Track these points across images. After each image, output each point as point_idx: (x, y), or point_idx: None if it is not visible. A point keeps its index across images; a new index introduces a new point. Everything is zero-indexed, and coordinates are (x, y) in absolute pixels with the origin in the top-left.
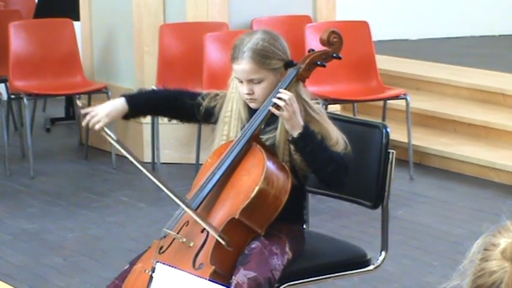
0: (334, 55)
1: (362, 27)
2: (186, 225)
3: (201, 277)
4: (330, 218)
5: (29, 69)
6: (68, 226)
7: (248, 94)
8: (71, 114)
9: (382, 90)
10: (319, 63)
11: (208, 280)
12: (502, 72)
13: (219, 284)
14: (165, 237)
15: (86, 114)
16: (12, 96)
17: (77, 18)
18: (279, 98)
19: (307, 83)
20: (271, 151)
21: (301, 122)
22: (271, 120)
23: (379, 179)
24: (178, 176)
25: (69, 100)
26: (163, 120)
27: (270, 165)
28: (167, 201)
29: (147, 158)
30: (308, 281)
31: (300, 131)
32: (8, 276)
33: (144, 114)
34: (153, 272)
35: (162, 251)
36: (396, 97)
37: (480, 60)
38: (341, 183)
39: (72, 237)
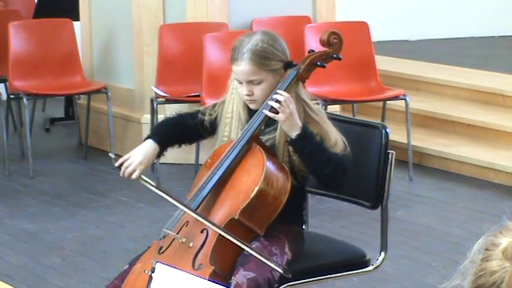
0: (334, 56)
1: (361, 27)
2: (186, 226)
3: (200, 277)
4: (330, 218)
5: (29, 69)
6: (67, 226)
7: (248, 95)
8: (71, 114)
9: (382, 90)
10: (319, 63)
11: (208, 280)
12: (502, 73)
13: (218, 284)
14: (164, 237)
15: (120, 165)
16: (12, 96)
17: (77, 18)
18: (276, 100)
19: (306, 83)
20: (271, 152)
21: (299, 124)
22: (271, 121)
23: (378, 180)
24: (177, 176)
25: (69, 100)
26: None
27: (269, 165)
28: (166, 202)
29: None
30: (307, 282)
31: (298, 132)
32: (7, 276)
33: (171, 147)
34: (153, 272)
35: (161, 251)
36: (396, 98)
37: (480, 61)
38: (339, 184)
39: (71, 237)
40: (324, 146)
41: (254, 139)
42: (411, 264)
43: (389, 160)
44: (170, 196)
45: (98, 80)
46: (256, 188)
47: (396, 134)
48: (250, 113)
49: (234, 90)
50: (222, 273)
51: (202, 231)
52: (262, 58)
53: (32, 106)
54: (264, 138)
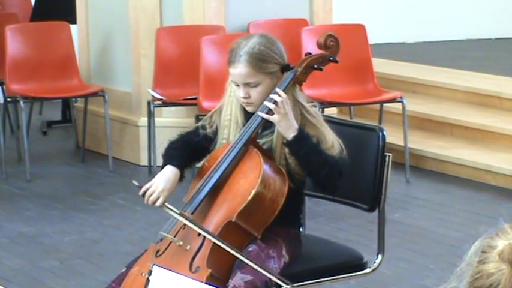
0: (331, 59)
1: (358, 30)
2: (183, 229)
3: (197, 280)
4: (327, 221)
5: (26, 72)
6: (64, 229)
7: (245, 98)
8: (68, 117)
9: (379, 93)
10: (316, 66)
11: (205, 283)
12: (498, 76)
13: (215, 287)
14: (161, 240)
15: (144, 193)
16: (9, 99)
17: (74, 22)
18: (273, 101)
19: (303, 86)
20: (268, 154)
21: (295, 125)
22: (268, 124)
23: (375, 182)
24: None
25: (66, 103)
26: (160, 124)
27: (266, 168)
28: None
29: (144, 161)
30: (305, 284)
31: (294, 133)
32: (5, 279)
33: (187, 168)
34: (150, 275)
35: (158, 254)
36: (393, 100)
37: (476, 64)
38: (335, 186)
39: (68, 240)
40: (320, 148)
41: (251, 142)
42: (408, 267)
43: (387, 162)
44: (195, 224)
45: (95, 83)
46: (254, 191)
47: (393, 136)
48: (248, 115)
49: (232, 93)
50: (219, 276)
51: (199, 235)
52: (259, 61)
53: (29, 109)
54: (261, 141)
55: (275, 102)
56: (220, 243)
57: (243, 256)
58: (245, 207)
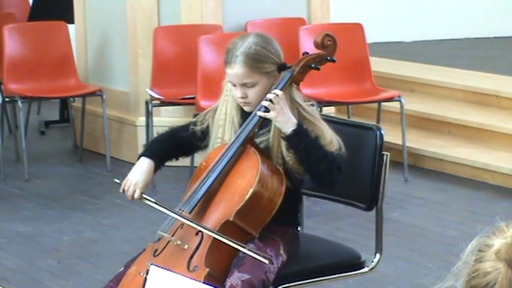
0: (329, 58)
1: (356, 29)
2: (181, 228)
3: (195, 279)
4: (325, 220)
5: (24, 72)
6: (62, 229)
7: (242, 98)
8: (66, 117)
9: (377, 92)
10: (313, 66)
11: (203, 282)
12: (497, 74)
13: (213, 286)
14: (159, 239)
15: (123, 190)
16: (7, 99)
17: (71, 21)
18: (268, 100)
19: (301, 85)
20: (265, 154)
21: (294, 119)
22: (265, 122)
23: (373, 181)
24: (172, 178)
25: (64, 103)
26: (158, 123)
27: (264, 168)
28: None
29: None
30: (302, 283)
31: (293, 127)
32: (3, 279)
33: (168, 160)
34: (148, 274)
35: (156, 253)
36: (390, 99)
37: (475, 62)
38: (334, 182)
39: (66, 240)
40: (319, 142)
41: (248, 141)
42: (406, 266)
43: (384, 161)
44: (173, 212)
45: (92, 82)
46: (251, 190)
47: (391, 135)
48: (244, 115)
49: (228, 93)
50: (217, 275)
51: (197, 234)
52: (255, 61)
53: (27, 109)
54: (257, 140)
55: (270, 100)
56: (204, 230)
57: (240, 246)
58: (243, 206)
